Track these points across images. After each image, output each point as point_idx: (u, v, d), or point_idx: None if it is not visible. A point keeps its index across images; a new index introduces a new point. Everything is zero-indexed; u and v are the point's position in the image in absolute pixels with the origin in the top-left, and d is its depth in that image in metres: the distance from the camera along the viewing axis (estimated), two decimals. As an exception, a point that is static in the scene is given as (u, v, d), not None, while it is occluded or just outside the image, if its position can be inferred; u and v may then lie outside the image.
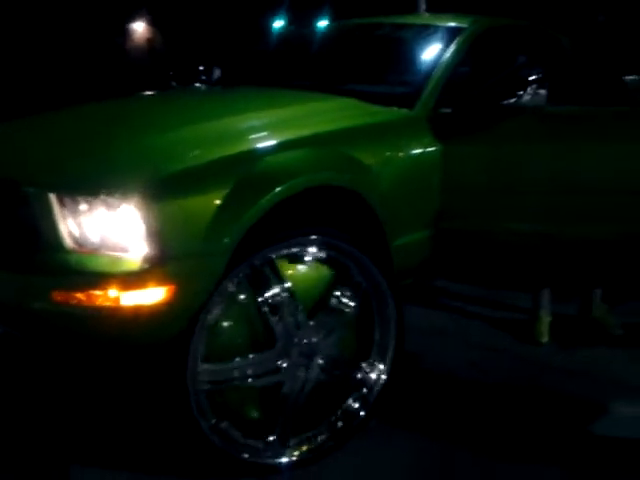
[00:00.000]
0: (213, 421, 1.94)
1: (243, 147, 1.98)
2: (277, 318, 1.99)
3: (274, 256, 1.95)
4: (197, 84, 3.44)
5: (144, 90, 3.63)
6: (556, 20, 3.56)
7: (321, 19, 26.86)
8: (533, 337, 3.00)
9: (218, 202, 1.81)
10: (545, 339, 3.01)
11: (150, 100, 3.09)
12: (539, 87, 2.36)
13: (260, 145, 2.02)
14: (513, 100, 2.34)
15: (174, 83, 4.35)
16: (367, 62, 2.98)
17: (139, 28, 24.32)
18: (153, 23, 23.39)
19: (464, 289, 3.58)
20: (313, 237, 2.01)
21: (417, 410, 2.42)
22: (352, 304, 2.13)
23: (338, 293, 2.11)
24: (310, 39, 3.59)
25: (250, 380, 1.99)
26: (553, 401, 2.50)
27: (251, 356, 1.98)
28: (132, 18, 22.78)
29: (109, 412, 2.29)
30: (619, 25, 3.25)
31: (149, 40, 23.91)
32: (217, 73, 3.73)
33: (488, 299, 3.51)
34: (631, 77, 3.24)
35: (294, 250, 2.01)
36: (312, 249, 2.04)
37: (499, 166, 2.35)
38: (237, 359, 1.96)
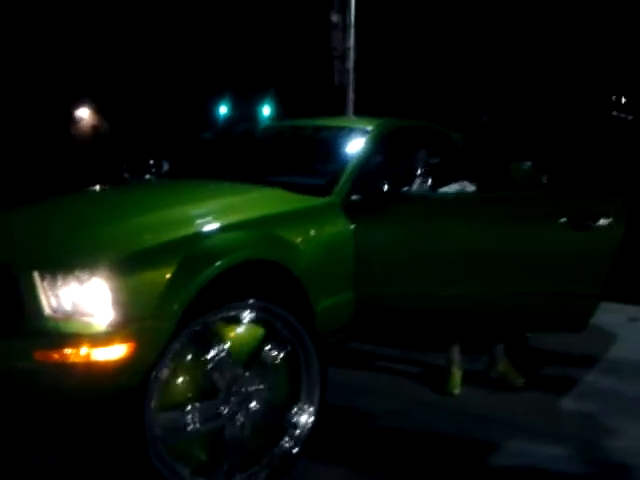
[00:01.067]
0: (167, 462, 2.30)
1: (189, 231, 2.47)
2: (217, 372, 2.41)
3: (213, 320, 2.39)
4: (148, 176, 3.95)
5: (100, 180, 4.12)
6: (450, 120, 4.28)
7: (264, 105, 28.05)
8: (446, 389, 3.46)
9: (169, 275, 2.26)
10: (457, 390, 3.48)
11: (112, 192, 3.58)
12: (426, 178, 2.97)
13: (203, 229, 2.51)
14: (406, 188, 2.93)
15: (127, 175, 4.81)
16: (293, 158, 3.58)
17: (84, 115, 24.88)
18: (98, 110, 24.01)
19: (382, 349, 4.08)
20: (250, 301, 2.47)
21: (343, 451, 2.84)
22: (281, 357, 2.58)
23: (269, 348, 2.56)
24: (248, 134, 4.17)
25: (197, 425, 2.38)
26: (462, 442, 2.95)
27: (197, 405, 2.38)
28: (76, 105, 23.35)
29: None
30: (500, 124, 3.97)
31: (94, 127, 24.45)
32: (166, 166, 4.25)
33: (405, 357, 4.01)
34: (527, 163, 3.93)
35: (232, 313, 2.47)
36: (247, 312, 2.50)
37: (396, 242, 2.91)
38: (186, 408, 2.36)
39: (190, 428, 2.36)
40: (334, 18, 8.46)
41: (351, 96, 8.57)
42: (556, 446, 2.89)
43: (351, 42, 8.46)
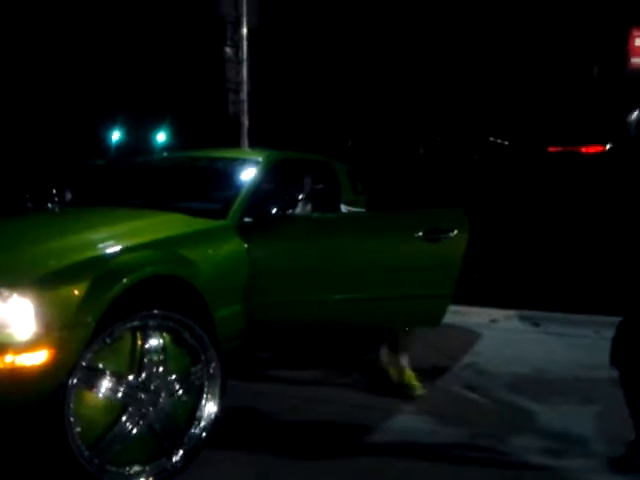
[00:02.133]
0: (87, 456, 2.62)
1: (99, 251, 2.82)
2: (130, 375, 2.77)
3: (122, 329, 2.74)
4: (50, 205, 4.17)
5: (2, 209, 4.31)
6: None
7: (159, 132, 27.76)
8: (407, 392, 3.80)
9: (83, 291, 2.58)
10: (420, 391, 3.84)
11: (25, 220, 3.82)
12: (308, 202, 3.48)
13: (112, 249, 2.86)
14: (291, 211, 3.43)
15: (30, 204, 4.92)
16: (190, 186, 4.00)
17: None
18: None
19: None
20: (155, 312, 2.84)
21: (242, 440, 3.25)
22: (187, 359, 2.96)
23: (175, 353, 2.93)
24: (147, 163, 4.51)
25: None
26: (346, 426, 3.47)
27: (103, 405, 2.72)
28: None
29: None
30: (435, 156, 4.47)
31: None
32: (68, 195, 4.48)
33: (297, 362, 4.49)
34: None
35: (136, 323, 2.81)
36: (153, 322, 2.86)
37: (283, 257, 3.39)
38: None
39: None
40: (228, 52, 8.94)
41: (245, 125, 9.04)
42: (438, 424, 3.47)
43: (244, 75, 8.95)
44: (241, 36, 8.96)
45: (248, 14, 8.90)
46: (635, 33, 18.68)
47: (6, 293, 2.46)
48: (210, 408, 3.02)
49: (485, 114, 19.18)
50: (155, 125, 25.90)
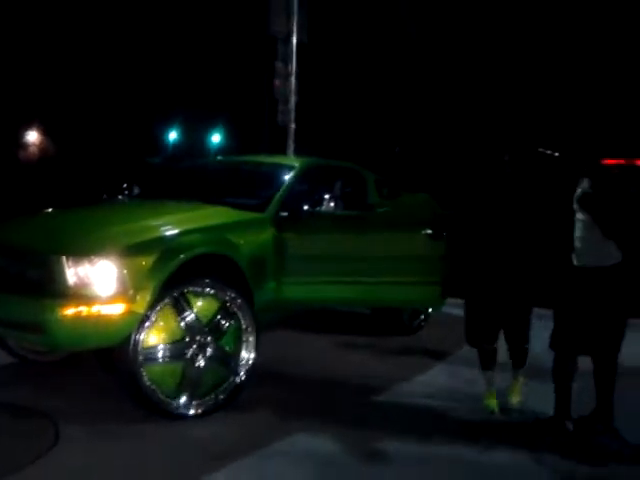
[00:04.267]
0: (149, 385, 3.40)
1: (165, 233, 3.62)
2: (186, 326, 3.55)
3: (185, 291, 3.52)
4: (120, 197, 5.04)
5: (80, 200, 5.21)
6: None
7: (214, 133, 28.80)
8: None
9: (151, 262, 3.39)
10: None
11: (109, 207, 4.71)
12: (333, 201, 4.20)
13: (172, 232, 3.66)
14: (318, 208, 4.17)
15: (105, 196, 5.78)
16: (238, 184, 4.78)
17: (32, 138, 25.31)
18: (46, 133, 24.44)
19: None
20: (206, 281, 3.61)
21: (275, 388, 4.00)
22: (231, 321, 3.72)
23: (222, 315, 3.69)
24: (203, 165, 5.33)
25: (168, 359, 3.50)
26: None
27: (169, 345, 3.51)
28: (24, 128, 23.73)
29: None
30: (410, 154, 5.23)
31: (41, 150, 24.86)
32: (136, 190, 5.30)
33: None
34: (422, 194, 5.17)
35: (193, 288, 3.59)
36: (207, 289, 3.63)
37: (310, 245, 4.13)
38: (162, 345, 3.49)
39: (162, 361, 3.50)
40: (279, 66, 9.77)
41: (292, 132, 9.84)
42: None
43: (292, 87, 9.76)
44: (291, 51, 9.78)
45: (298, 31, 9.72)
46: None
47: (96, 260, 3.29)
48: (247, 361, 3.78)
49: (537, 125, 19.54)
50: (210, 127, 27.09)
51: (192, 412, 3.54)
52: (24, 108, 18.08)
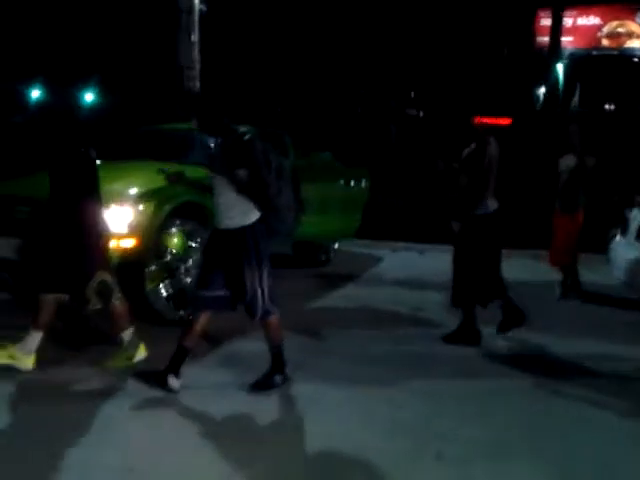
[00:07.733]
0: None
1: (155, 186, 4.75)
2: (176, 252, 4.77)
3: (175, 229, 4.72)
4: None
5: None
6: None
7: (87, 92, 28.11)
8: None
9: (152, 207, 4.55)
10: None
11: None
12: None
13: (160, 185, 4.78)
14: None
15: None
16: (191, 148, 5.93)
17: None
18: None
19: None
20: (190, 222, 4.82)
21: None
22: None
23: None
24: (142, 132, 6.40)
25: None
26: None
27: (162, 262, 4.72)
28: None
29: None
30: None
31: None
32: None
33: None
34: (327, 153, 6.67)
35: (183, 227, 4.79)
36: (188, 226, 4.83)
37: None
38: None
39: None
40: (183, 36, 10.64)
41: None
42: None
43: (196, 55, 10.70)
44: (193, 22, 10.68)
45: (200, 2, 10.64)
46: (540, 15, 21.55)
47: (114, 207, 4.40)
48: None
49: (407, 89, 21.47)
50: (82, 85, 26.32)
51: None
52: None
